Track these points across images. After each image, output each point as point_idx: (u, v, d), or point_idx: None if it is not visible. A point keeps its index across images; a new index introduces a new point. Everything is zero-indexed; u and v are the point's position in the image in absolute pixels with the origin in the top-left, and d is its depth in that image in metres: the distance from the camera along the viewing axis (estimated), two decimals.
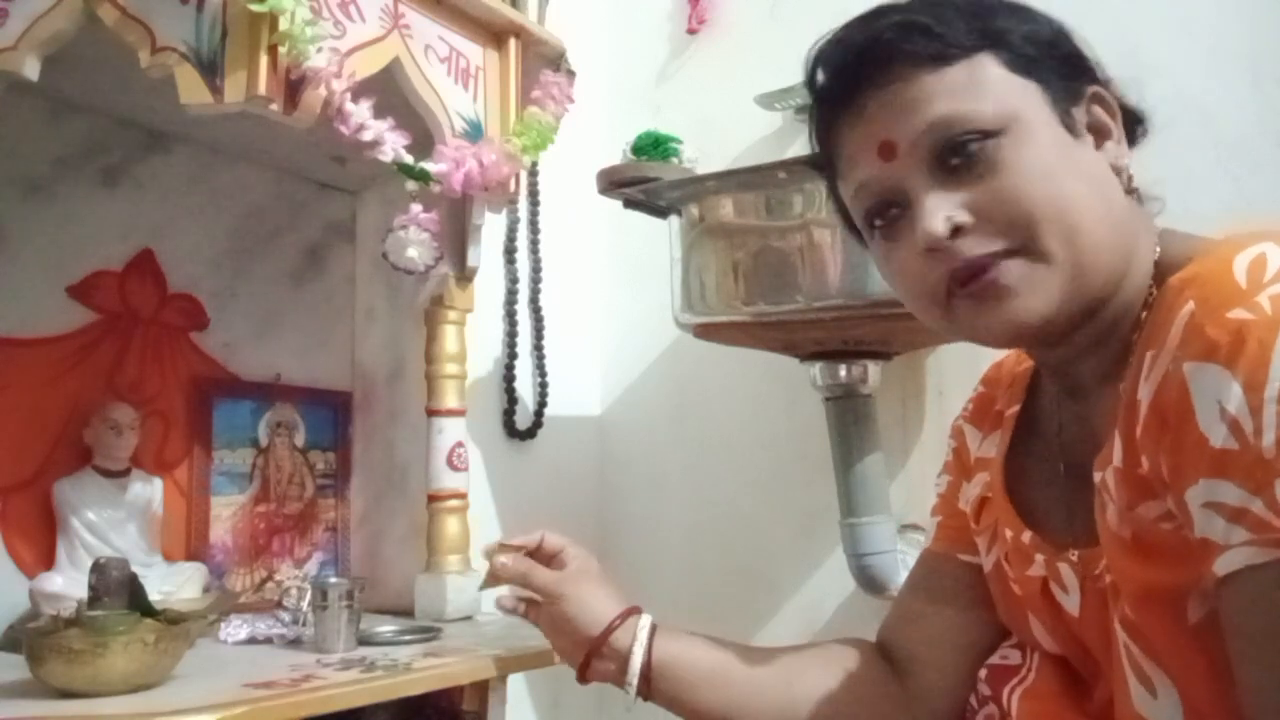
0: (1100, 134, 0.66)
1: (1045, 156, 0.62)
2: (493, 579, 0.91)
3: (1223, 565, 0.53)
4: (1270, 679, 0.52)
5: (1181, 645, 0.58)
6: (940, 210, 0.62)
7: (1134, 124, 0.70)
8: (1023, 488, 0.77)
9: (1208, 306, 0.55)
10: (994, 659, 0.79)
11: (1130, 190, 0.66)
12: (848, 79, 0.66)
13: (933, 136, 0.63)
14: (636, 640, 0.83)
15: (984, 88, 0.63)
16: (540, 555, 0.91)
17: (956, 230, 0.62)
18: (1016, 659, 0.77)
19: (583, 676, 0.87)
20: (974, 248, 0.62)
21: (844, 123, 0.67)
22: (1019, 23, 0.65)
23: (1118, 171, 0.65)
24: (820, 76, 0.69)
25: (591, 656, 0.85)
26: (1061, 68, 0.65)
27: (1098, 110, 0.66)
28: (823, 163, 0.72)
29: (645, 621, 0.85)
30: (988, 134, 0.62)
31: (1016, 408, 0.81)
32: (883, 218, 0.67)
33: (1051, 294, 0.62)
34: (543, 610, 0.89)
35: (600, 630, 0.84)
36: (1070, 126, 0.64)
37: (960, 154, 0.62)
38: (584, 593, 0.87)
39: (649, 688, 0.83)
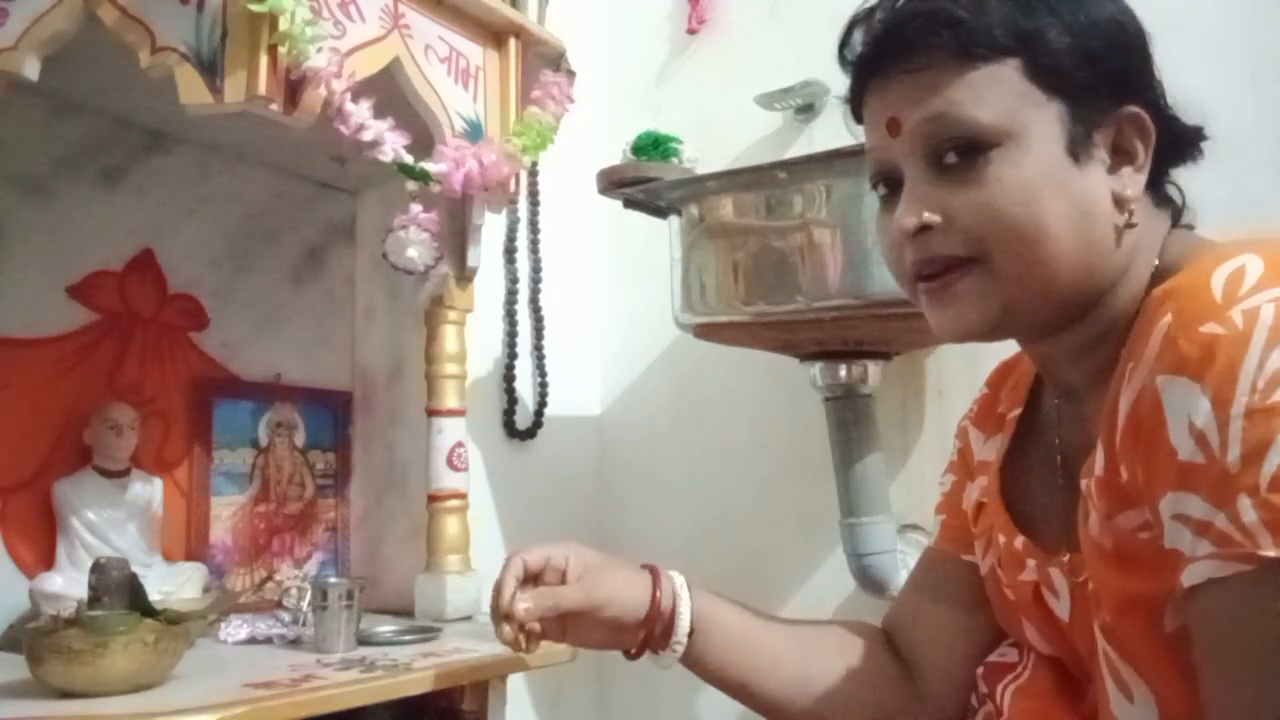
0: (1122, 157, 0.65)
1: (1031, 179, 0.62)
2: (533, 636, 0.79)
3: (1188, 577, 0.53)
4: (1232, 689, 0.52)
5: (1158, 653, 0.59)
6: (917, 206, 0.65)
7: (1183, 143, 0.68)
8: (1019, 492, 0.77)
9: (1182, 320, 0.55)
10: (992, 656, 0.80)
11: (1129, 224, 0.64)
12: (874, 55, 0.68)
13: (930, 128, 0.64)
14: (680, 599, 0.81)
15: (995, 96, 0.62)
16: (528, 579, 0.82)
17: (926, 227, 0.65)
18: (1013, 657, 0.77)
19: (639, 654, 0.82)
20: (939, 247, 0.65)
21: (868, 91, 0.69)
22: (1069, 26, 0.63)
23: (1120, 202, 0.64)
24: (852, 43, 0.70)
25: (650, 635, 0.80)
26: (1099, 83, 0.63)
27: (1129, 132, 0.64)
28: (855, 112, 0.74)
29: (680, 581, 0.83)
30: (980, 144, 0.63)
31: (1018, 410, 0.81)
32: (884, 186, 0.70)
33: (993, 308, 0.65)
34: (574, 627, 0.81)
35: (648, 609, 0.80)
36: (1076, 150, 0.63)
37: (953, 154, 0.64)
38: (613, 588, 0.81)
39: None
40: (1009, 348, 0.78)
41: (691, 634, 0.81)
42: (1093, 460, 0.63)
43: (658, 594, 0.81)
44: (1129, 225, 0.64)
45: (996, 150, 0.62)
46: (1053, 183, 0.62)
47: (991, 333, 0.67)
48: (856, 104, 0.72)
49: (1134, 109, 0.64)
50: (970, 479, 0.85)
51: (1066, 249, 0.62)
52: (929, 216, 0.65)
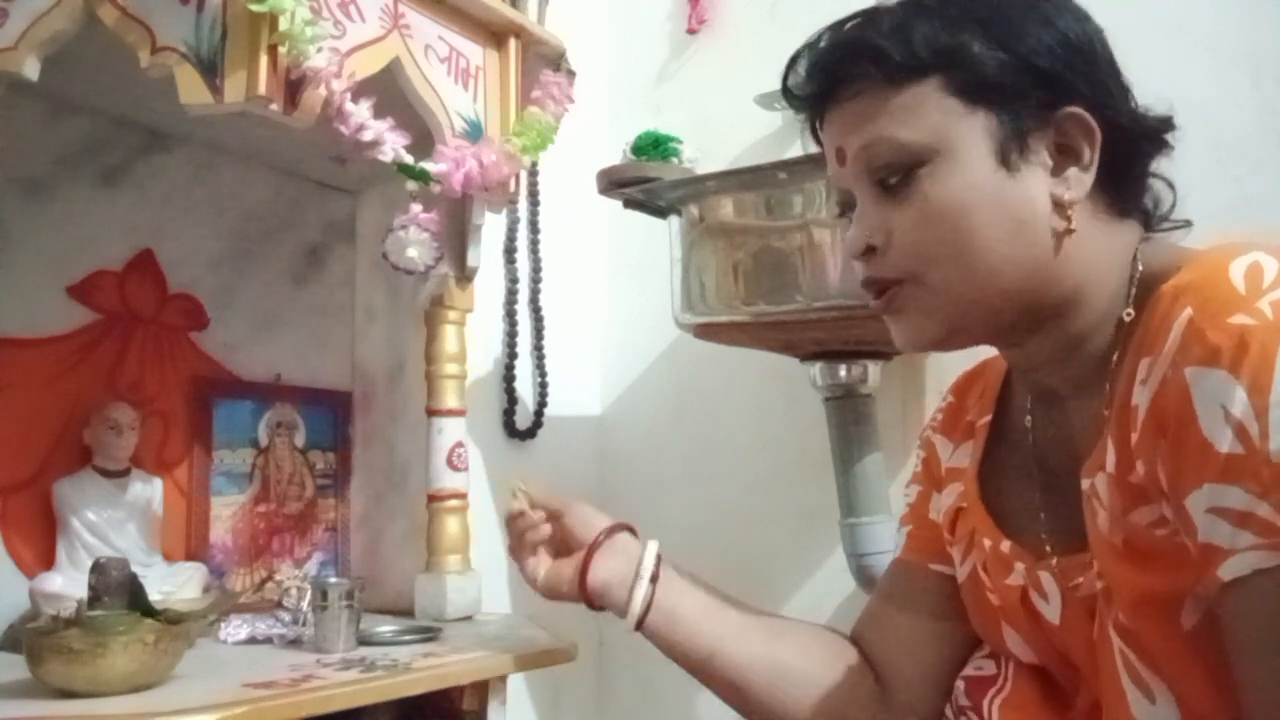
0: (1067, 157, 0.65)
1: (957, 193, 0.64)
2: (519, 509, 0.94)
3: (1228, 570, 0.52)
4: (1276, 684, 0.52)
5: (1178, 651, 0.58)
6: (861, 229, 0.69)
7: (1139, 141, 0.68)
8: (997, 497, 0.77)
9: (1207, 312, 0.55)
10: (969, 670, 0.79)
11: (1068, 231, 0.64)
12: (812, 90, 0.72)
13: (866, 156, 0.68)
14: (648, 549, 0.87)
15: (919, 116, 0.65)
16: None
17: (871, 249, 0.68)
18: (991, 669, 0.77)
19: (584, 580, 0.87)
20: (880, 269, 0.69)
21: (821, 122, 0.74)
22: (995, 37, 0.64)
23: (1060, 205, 0.64)
24: (792, 82, 0.74)
25: (594, 550, 0.87)
26: (1030, 88, 0.64)
27: (1071, 132, 0.65)
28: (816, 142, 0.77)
29: (654, 543, 0.89)
30: (910, 164, 0.66)
31: (988, 418, 0.81)
32: (846, 209, 0.74)
33: (937, 320, 0.67)
34: (541, 549, 0.92)
35: (604, 528, 0.89)
36: (1009, 157, 0.64)
37: (893, 176, 0.67)
38: (586, 511, 0.92)
39: (649, 611, 0.85)
40: None
41: (654, 594, 0.85)
42: (1099, 457, 0.62)
43: (618, 526, 0.90)
44: (1068, 231, 0.65)
45: (925, 168, 0.65)
46: (982, 195, 0.64)
47: (943, 343, 0.69)
48: (815, 132, 0.75)
49: (1074, 109, 0.65)
50: (938, 488, 0.85)
51: (998, 259, 0.64)
52: (871, 238, 0.68)
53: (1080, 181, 0.65)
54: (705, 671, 0.84)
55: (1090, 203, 0.66)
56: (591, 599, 0.87)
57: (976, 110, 0.64)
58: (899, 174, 0.66)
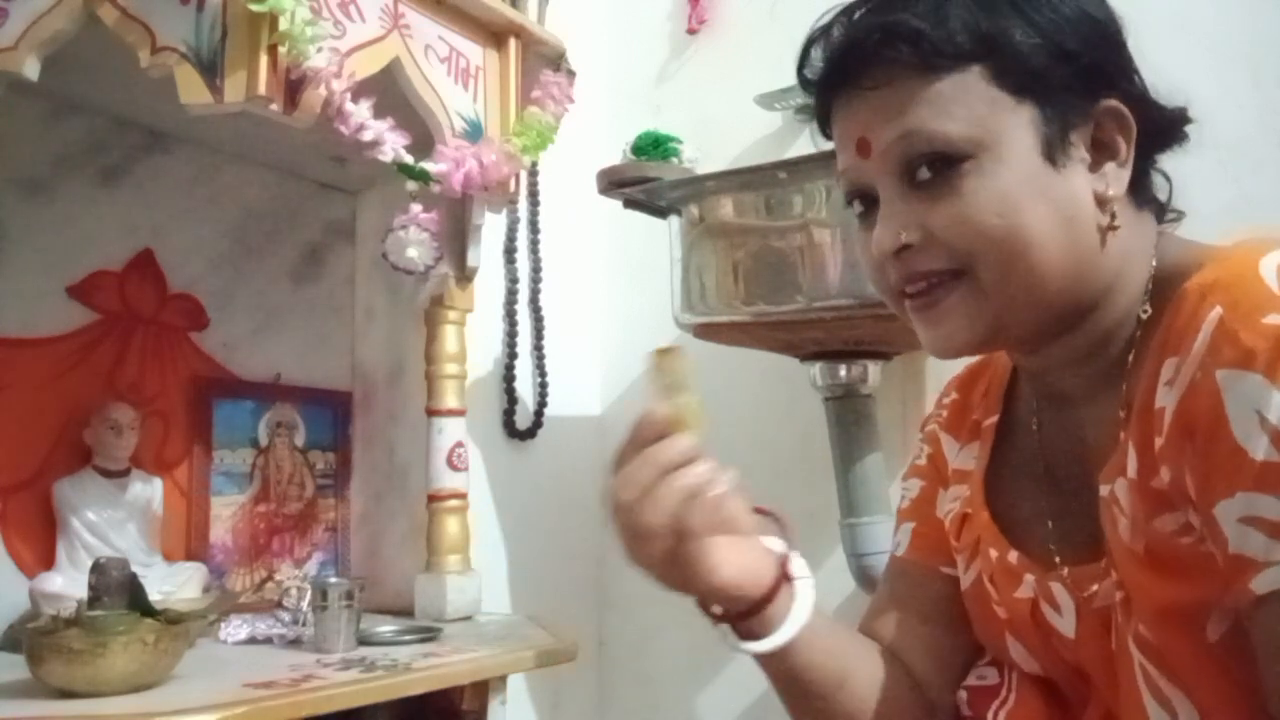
0: (1104, 153, 0.63)
1: (1007, 187, 0.60)
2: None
3: (1263, 583, 0.50)
4: None
5: (1202, 664, 0.56)
6: (894, 225, 0.63)
7: (1166, 131, 0.66)
8: (1003, 503, 0.74)
9: (1239, 312, 0.52)
10: (971, 679, 0.76)
11: (1112, 226, 0.62)
12: (836, 74, 0.66)
13: (901, 147, 0.62)
14: (777, 544, 0.73)
15: (963, 106, 0.60)
16: None
17: (905, 246, 0.63)
18: (994, 678, 0.74)
19: (784, 578, 0.69)
20: (921, 264, 0.63)
21: (834, 110, 0.68)
22: (1035, 23, 0.61)
23: (1101, 201, 0.62)
24: (811, 61, 0.69)
25: (792, 536, 0.72)
26: (1072, 80, 0.61)
27: (1109, 127, 0.63)
28: (823, 130, 0.72)
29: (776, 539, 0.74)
30: (953, 157, 0.61)
31: (995, 419, 0.78)
32: (860, 203, 0.68)
33: (983, 322, 0.63)
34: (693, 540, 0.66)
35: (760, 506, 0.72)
36: (1053, 152, 0.61)
37: (926, 170, 0.62)
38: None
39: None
40: None
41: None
42: (1120, 462, 0.60)
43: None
44: (1112, 227, 0.62)
45: (970, 162, 0.60)
46: (1031, 190, 0.60)
47: (983, 347, 0.66)
48: (824, 122, 0.70)
49: (1112, 103, 0.62)
50: (944, 486, 0.81)
51: (1051, 257, 0.60)
52: (906, 236, 0.63)
53: (1118, 177, 0.62)
54: (826, 700, 0.71)
55: (1124, 196, 0.64)
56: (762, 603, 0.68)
57: (1023, 103, 0.60)
58: (934, 167, 0.61)
